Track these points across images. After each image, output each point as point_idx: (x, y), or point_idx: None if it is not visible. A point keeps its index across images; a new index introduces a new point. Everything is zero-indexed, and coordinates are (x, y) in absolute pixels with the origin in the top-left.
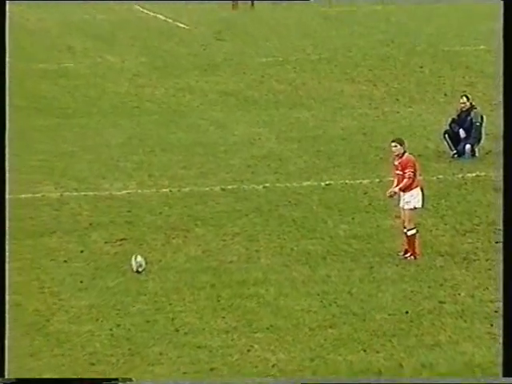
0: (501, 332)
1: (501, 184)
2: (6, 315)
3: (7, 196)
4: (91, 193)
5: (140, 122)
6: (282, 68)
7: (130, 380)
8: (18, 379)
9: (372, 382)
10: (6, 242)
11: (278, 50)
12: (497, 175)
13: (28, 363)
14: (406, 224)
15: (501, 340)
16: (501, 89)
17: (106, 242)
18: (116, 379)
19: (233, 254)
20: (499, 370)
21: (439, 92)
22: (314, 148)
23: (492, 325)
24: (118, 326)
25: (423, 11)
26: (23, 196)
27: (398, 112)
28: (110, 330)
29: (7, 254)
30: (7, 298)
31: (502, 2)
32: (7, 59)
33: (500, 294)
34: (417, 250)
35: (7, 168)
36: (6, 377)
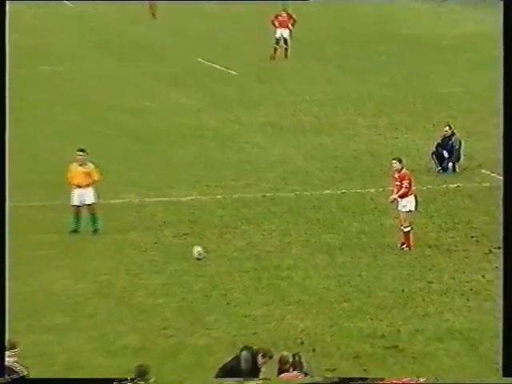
0: (475, 305)
1: (474, 192)
2: (6, 315)
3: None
4: (164, 199)
5: (201, 145)
6: (309, 104)
7: (127, 380)
8: (14, 379)
9: (372, 382)
10: (6, 243)
11: (305, 91)
12: (471, 186)
13: (118, 327)
14: (402, 223)
15: (475, 311)
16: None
17: (174, 236)
18: (125, 379)
19: (270, 245)
20: (475, 335)
21: (428, 122)
22: (333, 165)
23: (468, 299)
24: (183, 299)
25: (417, 59)
26: (113, 201)
27: (396, 138)
28: (177, 302)
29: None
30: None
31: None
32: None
33: (500, 295)
34: (411, 243)
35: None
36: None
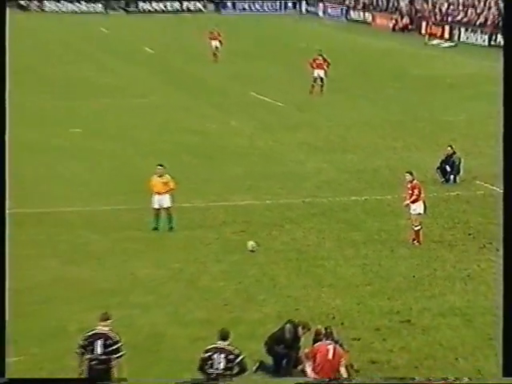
0: (472, 288)
1: (471, 199)
2: (6, 315)
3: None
4: (223, 203)
5: (252, 161)
6: (338, 128)
7: (125, 380)
8: (10, 379)
9: (368, 382)
10: (6, 244)
11: (335, 117)
12: (468, 194)
13: (188, 304)
14: (413, 223)
15: (472, 293)
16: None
17: (232, 233)
18: (109, 379)
19: (308, 240)
20: (471, 312)
21: (434, 144)
22: (358, 177)
23: (466, 284)
24: (240, 283)
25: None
26: (184, 205)
27: (409, 156)
28: (235, 285)
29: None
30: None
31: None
32: None
33: (500, 298)
34: (420, 239)
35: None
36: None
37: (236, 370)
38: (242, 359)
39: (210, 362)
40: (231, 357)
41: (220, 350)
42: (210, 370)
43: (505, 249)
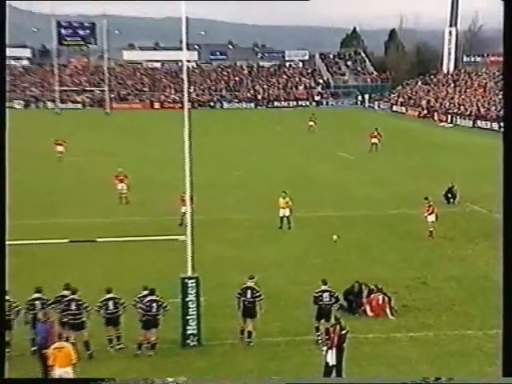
0: (465, 264)
1: (463, 213)
2: (6, 316)
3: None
4: (316, 213)
5: (333, 188)
6: (385, 171)
7: (114, 380)
8: (4, 379)
9: (368, 382)
10: (6, 245)
11: (384, 165)
12: (461, 210)
13: (298, 273)
14: (429, 227)
15: (465, 267)
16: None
17: (323, 230)
18: (102, 379)
19: (368, 235)
20: (466, 278)
21: (443, 182)
22: (397, 199)
23: (459, 262)
24: (327, 260)
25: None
26: (296, 214)
27: (427, 188)
28: (326, 261)
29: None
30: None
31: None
32: None
33: (500, 300)
34: (433, 236)
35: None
36: None
37: (336, 302)
38: (338, 295)
39: (320, 297)
40: (333, 293)
41: (325, 291)
42: (320, 303)
43: (505, 249)
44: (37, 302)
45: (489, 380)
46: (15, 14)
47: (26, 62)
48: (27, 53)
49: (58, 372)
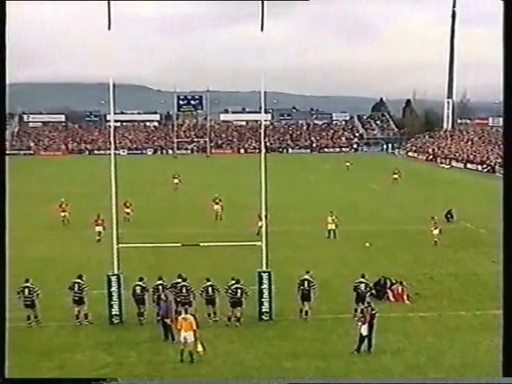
0: (463, 263)
1: (459, 229)
2: (6, 315)
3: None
4: (353, 227)
5: (365, 210)
6: (402, 199)
7: (116, 380)
8: (5, 379)
9: (368, 382)
10: (6, 244)
11: (402, 195)
12: (457, 227)
13: (340, 268)
14: (434, 238)
15: (463, 265)
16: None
17: (358, 239)
18: (104, 379)
19: (386, 246)
20: (460, 274)
21: (444, 207)
22: (412, 218)
23: (457, 263)
24: (360, 259)
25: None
26: (340, 227)
27: (433, 210)
28: (358, 261)
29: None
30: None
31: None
32: None
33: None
34: (438, 245)
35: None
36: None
37: (370, 290)
38: (371, 286)
39: (358, 287)
40: (367, 284)
41: (362, 282)
42: (358, 290)
43: (505, 249)
44: (160, 287)
45: (489, 380)
46: (150, 92)
47: (156, 124)
48: (157, 117)
49: (183, 334)
